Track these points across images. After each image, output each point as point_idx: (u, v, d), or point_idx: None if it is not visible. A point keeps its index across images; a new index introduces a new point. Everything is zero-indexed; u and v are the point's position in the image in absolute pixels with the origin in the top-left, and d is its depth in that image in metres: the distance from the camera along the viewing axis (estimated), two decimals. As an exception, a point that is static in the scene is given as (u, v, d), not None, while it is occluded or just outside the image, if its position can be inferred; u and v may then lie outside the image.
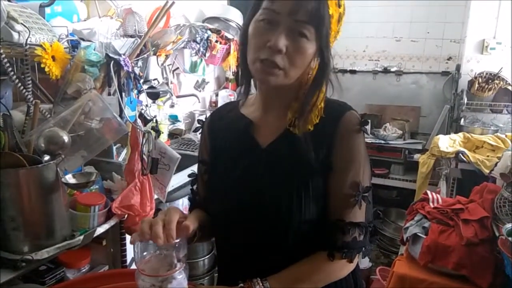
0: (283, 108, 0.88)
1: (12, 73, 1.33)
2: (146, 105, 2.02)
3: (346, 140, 0.84)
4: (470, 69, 3.22)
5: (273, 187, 0.85)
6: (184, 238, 0.77)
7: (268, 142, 0.88)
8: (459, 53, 3.41)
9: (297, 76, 0.82)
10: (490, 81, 3.08)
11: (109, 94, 1.64)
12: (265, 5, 0.80)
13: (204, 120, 1.04)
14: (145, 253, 0.75)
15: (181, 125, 2.73)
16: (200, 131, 1.05)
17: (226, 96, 3.16)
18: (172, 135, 2.68)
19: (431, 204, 2.03)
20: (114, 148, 1.75)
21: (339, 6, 0.82)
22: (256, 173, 0.87)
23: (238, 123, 0.93)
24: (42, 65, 1.41)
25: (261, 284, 0.79)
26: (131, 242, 0.74)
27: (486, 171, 2.38)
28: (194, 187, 1.05)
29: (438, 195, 2.11)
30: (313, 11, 0.77)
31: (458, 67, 3.29)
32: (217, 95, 3.20)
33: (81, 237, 1.31)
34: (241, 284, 0.80)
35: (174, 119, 2.66)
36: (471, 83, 3.16)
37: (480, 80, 3.10)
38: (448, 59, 3.49)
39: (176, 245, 0.75)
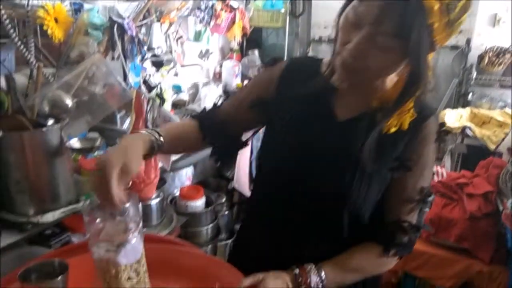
0: (367, 88, 0.82)
1: (14, 34, 1.30)
2: (150, 75, 1.99)
3: (424, 146, 0.82)
4: (481, 43, 3.14)
5: (339, 164, 0.80)
6: (135, 201, 0.73)
7: (346, 117, 0.83)
8: (469, 27, 3.32)
9: (378, 77, 0.78)
10: (500, 55, 3.01)
11: (112, 58, 1.62)
12: (354, 2, 0.72)
13: (280, 60, 0.94)
14: (97, 220, 0.71)
15: (184, 96, 2.69)
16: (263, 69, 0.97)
17: (230, 67, 3.10)
18: (175, 105, 2.65)
19: (435, 178, 2.03)
20: (118, 116, 1.73)
21: (449, 11, 0.66)
22: (324, 143, 0.82)
23: (319, 85, 0.84)
24: (45, 27, 1.38)
25: (316, 272, 0.79)
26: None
27: (492, 146, 2.36)
28: (219, 103, 0.97)
29: (443, 169, 2.10)
30: (401, 23, 0.66)
31: (468, 41, 3.20)
32: (221, 66, 3.15)
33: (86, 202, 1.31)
34: (297, 270, 0.79)
35: (177, 89, 2.63)
36: (480, 57, 3.09)
37: (490, 54, 3.03)
38: (458, 33, 3.40)
39: (129, 210, 0.71)
